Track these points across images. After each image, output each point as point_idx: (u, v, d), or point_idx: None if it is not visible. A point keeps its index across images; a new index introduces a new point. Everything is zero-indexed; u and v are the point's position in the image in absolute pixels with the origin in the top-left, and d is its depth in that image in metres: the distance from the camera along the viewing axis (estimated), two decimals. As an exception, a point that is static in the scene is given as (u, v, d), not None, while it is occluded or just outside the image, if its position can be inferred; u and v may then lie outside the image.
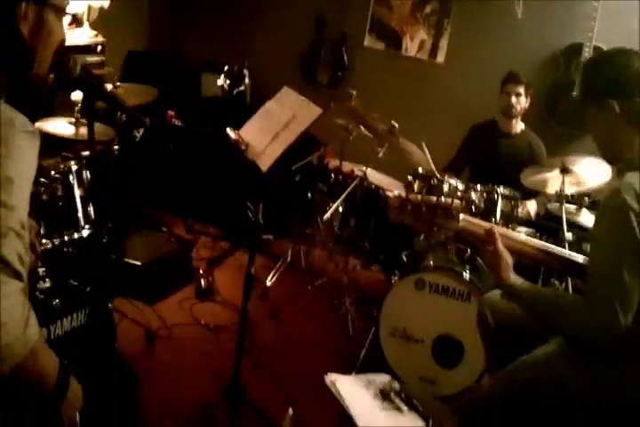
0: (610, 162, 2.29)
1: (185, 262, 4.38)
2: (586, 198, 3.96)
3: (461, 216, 2.26)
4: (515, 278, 2.20)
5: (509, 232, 2.35)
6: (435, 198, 2.24)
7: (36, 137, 1.41)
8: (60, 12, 1.55)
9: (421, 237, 3.90)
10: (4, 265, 1.26)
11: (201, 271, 4.29)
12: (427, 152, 3.98)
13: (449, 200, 2.24)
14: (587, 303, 1.97)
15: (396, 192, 2.75)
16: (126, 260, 3.90)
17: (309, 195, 4.67)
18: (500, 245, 2.21)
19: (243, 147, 2.85)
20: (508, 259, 2.21)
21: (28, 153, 1.38)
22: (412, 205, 2.24)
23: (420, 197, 2.25)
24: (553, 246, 2.31)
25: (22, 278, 1.31)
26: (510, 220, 3.62)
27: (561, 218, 3.57)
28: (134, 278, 3.92)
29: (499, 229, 2.28)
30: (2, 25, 1.44)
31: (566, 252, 2.32)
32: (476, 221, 2.35)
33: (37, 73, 1.55)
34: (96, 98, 1.87)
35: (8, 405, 1.42)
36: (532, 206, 4.11)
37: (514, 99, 4.30)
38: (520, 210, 3.80)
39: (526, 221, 3.97)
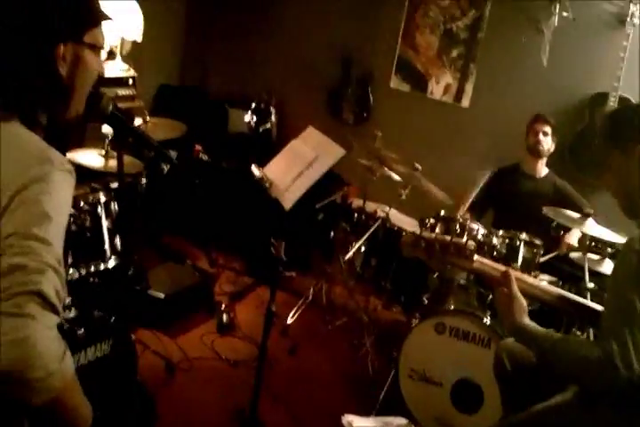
0: (630, 216, 2.23)
1: (207, 296, 4.42)
2: (609, 249, 3.96)
3: (475, 257, 2.27)
4: (528, 322, 2.20)
5: (525, 276, 2.35)
6: (449, 237, 2.27)
7: (72, 175, 1.45)
8: (97, 48, 1.59)
9: (435, 274, 3.93)
10: (43, 300, 1.27)
11: (223, 306, 4.34)
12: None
13: (462, 240, 2.26)
14: (599, 350, 1.92)
15: (409, 226, 2.78)
16: (150, 292, 3.95)
17: (332, 233, 4.70)
18: (515, 288, 2.22)
19: (267, 184, 2.91)
20: (523, 302, 2.21)
21: (65, 190, 1.42)
22: (425, 242, 2.27)
23: (433, 234, 2.28)
24: (569, 293, 2.32)
25: (59, 313, 1.32)
26: (531, 266, 3.63)
27: (583, 267, 3.58)
28: (157, 310, 3.98)
29: (514, 273, 2.28)
30: (41, 68, 1.48)
31: (583, 300, 2.32)
32: (490, 262, 2.36)
33: (75, 110, 1.61)
34: (126, 135, 1.94)
35: None
36: (574, 236, 4.11)
37: (541, 136, 4.37)
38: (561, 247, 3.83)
39: (550, 267, 3.98)
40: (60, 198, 1.40)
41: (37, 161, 1.38)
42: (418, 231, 2.30)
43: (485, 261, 2.33)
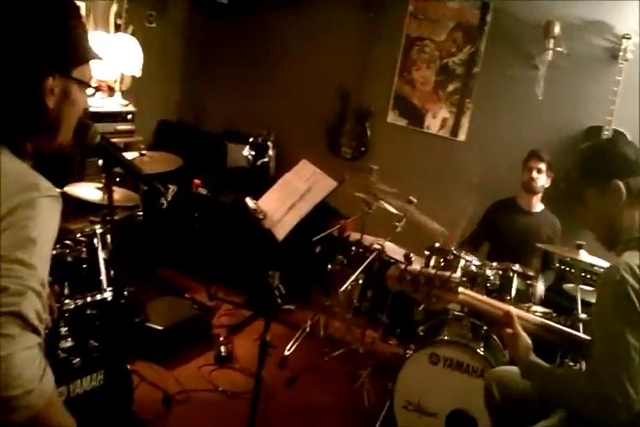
0: (608, 248, 2.27)
1: (205, 329, 4.44)
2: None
3: (460, 289, 2.29)
4: (533, 360, 2.22)
5: (525, 314, 2.36)
6: (433, 271, 2.30)
7: (58, 201, 1.49)
8: (84, 84, 1.63)
9: (420, 307, 3.95)
10: (22, 321, 1.32)
11: (221, 338, 4.35)
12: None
13: (447, 273, 2.29)
14: (592, 385, 1.95)
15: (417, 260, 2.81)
16: (148, 324, 3.97)
17: (329, 266, 4.73)
18: (519, 327, 2.25)
19: (260, 216, 2.96)
20: (528, 340, 2.24)
21: (51, 216, 1.46)
22: (410, 275, 2.30)
23: (418, 268, 2.31)
24: (560, 326, 2.34)
25: (39, 334, 1.36)
26: (525, 298, 3.66)
27: (576, 298, 3.61)
28: (155, 342, 3.99)
29: (515, 311, 2.31)
30: (29, 100, 1.52)
31: (577, 333, 2.35)
32: (475, 294, 2.38)
33: (62, 141, 1.65)
34: (114, 164, 1.98)
35: None
36: (539, 288, 4.10)
37: (535, 173, 4.41)
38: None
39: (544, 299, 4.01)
40: (46, 224, 1.44)
41: (24, 187, 1.42)
42: (401, 265, 2.33)
43: (469, 292, 2.35)
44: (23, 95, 1.52)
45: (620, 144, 2.24)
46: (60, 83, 1.56)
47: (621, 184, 2.14)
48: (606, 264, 3.54)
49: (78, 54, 1.61)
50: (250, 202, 3.06)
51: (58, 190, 1.51)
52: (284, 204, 2.94)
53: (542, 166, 4.42)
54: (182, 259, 5.27)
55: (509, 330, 2.26)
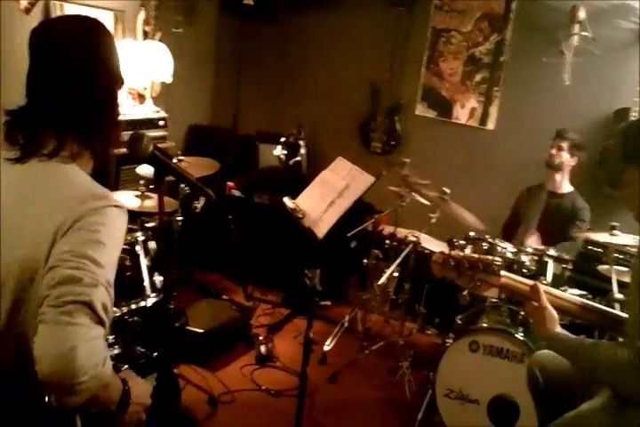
0: None
1: (245, 329, 4.46)
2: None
3: (502, 273, 2.33)
4: (560, 331, 2.26)
5: (552, 289, 2.40)
6: (476, 255, 2.32)
7: (125, 212, 1.59)
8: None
9: (465, 292, 3.95)
10: (91, 311, 1.41)
11: (261, 338, 4.37)
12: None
13: (489, 257, 2.32)
14: (629, 352, 2.00)
15: (440, 249, 2.83)
16: (189, 328, 4.00)
17: (365, 261, 4.75)
18: (544, 299, 2.28)
19: (300, 215, 2.97)
20: (553, 312, 2.28)
21: (119, 225, 1.57)
22: (454, 261, 2.32)
23: (461, 253, 2.33)
24: (595, 304, 2.37)
25: (105, 325, 1.45)
26: (561, 282, 3.65)
27: (611, 278, 3.63)
28: (197, 345, 4.02)
29: (543, 287, 2.34)
30: (113, 110, 1.75)
31: (610, 309, 2.38)
32: (518, 277, 2.43)
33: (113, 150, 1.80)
34: (166, 173, 2.01)
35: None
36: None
37: (554, 151, 4.42)
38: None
39: (579, 281, 4.00)
40: (114, 231, 1.54)
41: (94, 196, 1.54)
42: (445, 250, 2.36)
43: (512, 275, 2.39)
44: (110, 107, 1.74)
45: None
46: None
47: None
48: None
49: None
50: (288, 201, 3.07)
51: None
52: (322, 202, 2.95)
53: (564, 144, 4.41)
54: (218, 261, 5.30)
55: (535, 303, 2.30)
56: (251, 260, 5.11)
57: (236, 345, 4.34)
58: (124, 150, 1.90)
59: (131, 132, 1.85)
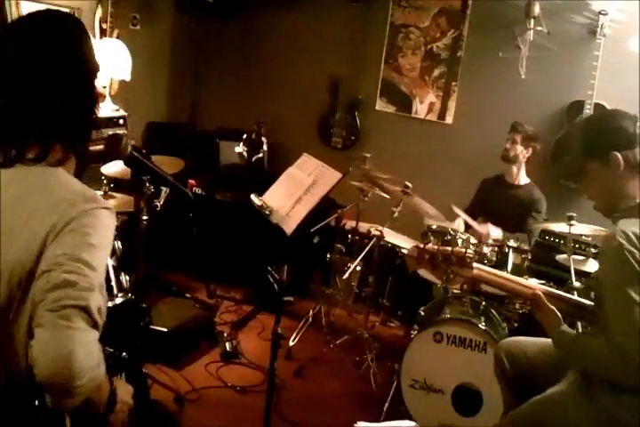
0: (606, 215, 2.40)
1: (209, 327, 4.45)
2: (592, 249, 4.11)
3: (474, 264, 2.38)
4: (564, 329, 2.34)
5: (551, 290, 2.48)
6: (450, 248, 2.38)
7: (114, 212, 1.59)
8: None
9: (439, 284, 4.02)
10: (88, 315, 1.42)
11: (225, 335, 4.37)
12: (462, 214, 4.22)
13: (462, 249, 2.37)
14: (611, 346, 2.08)
15: (414, 243, 2.87)
16: (153, 327, 3.98)
17: (328, 256, 4.78)
18: (548, 304, 2.37)
19: (267, 212, 2.97)
20: (557, 313, 2.36)
21: (109, 226, 1.57)
22: (429, 254, 2.37)
23: (436, 247, 2.38)
24: (562, 293, 2.48)
25: (99, 329, 1.46)
26: (521, 271, 3.73)
27: (569, 268, 3.73)
28: (161, 344, 4.00)
29: (541, 289, 2.44)
30: (92, 102, 1.69)
31: (577, 298, 2.50)
32: (490, 269, 2.51)
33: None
34: (144, 173, 2.01)
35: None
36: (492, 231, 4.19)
37: (508, 144, 4.51)
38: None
39: (538, 271, 4.10)
40: (105, 233, 1.55)
41: (85, 199, 1.54)
42: (420, 244, 2.40)
43: (483, 267, 2.45)
44: (87, 102, 1.69)
45: (618, 117, 2.31)
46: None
47: (620, 156, 2.25)
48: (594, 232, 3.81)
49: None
50: (255, 198, 3.07)
51: None
52: (290, 198, 2.96)
53: (517, 137, 4.49)
54: (180, 259, 5.27)
55: (540, 310, 2.39)
56: (213, 257, 5.09)
57: (200, 343, 4.32)
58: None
59: (109, 133, 1.83)
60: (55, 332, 1.38)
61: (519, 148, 4.49)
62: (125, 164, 1.99)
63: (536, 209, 4.45)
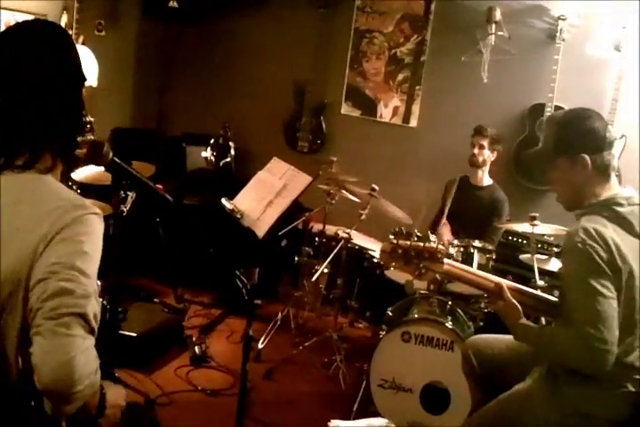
0: (568, 209, 2.47)
1: (178, 331, 4.45)
2: (554, 248, 4.20)
3: (445, 260, 2.45)
4: (524, 322, 2.38)
5: (516, 285, 2.53)
6: (422, 244, 2.43)
7: (102, 217, 1.60)
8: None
9: (412, 279, 4.06)
10: (85, 322, 1.45)
11: (194, 339, 4.36)
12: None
13: (434, 245, 2.43)
14: (578, 339, 2.14)
15: (381, 245, 2.90)
16: (122, 332, 3.97)
17: (296, 259, 4.81)
18: (509, 296, 2.41)
19: (238, 215, 3.00)
20: (518, 306, 2.40)
21: (99, 233, 1.58)
22: (402, 249, 2.42)
23: (408, 242, 2.43)
24: (529, 289, 2.52)
25: (95, 334, 1.49)
26: (486, 271, 3.79)
27: (532, 267, 3.81)
28: (131, 349, 3.99)
29: (505, 283, 2.48)
30: (78, 110, 1.70)
31: (543, 294, 2.54)
32: (459, 264, 2.58)
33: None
34: (125, 179, 2.03)
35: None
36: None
37: (476, 150, 4.57)
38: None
39: (502, 270, 4.17)
40: (96, 239, 1.56)
41: (75, 206, 1.55)
42: (393, 240, 2.45)
43: (453, 263, 2.52)
44: (76, 110, 1.70)
45: (592, 120, 2.36)
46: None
47: (588, 159, 2.31)
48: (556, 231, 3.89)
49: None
50: (226, 202, 3.09)
51: None
52: (260, 202, 3.00)
53: (484, 142, 4.57)
54: (147, 265, 5.26)
55: (502, 302, 2.42)
56: (181, 262, 5.09)
57: (169, 347, 4.32)
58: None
59: (89, 140, 1.84)
60: (55, 340, 1.41)
61: (486, 152, 4.57)
62: (107, 170, 2.00)
63: (498, 210, 4.53)
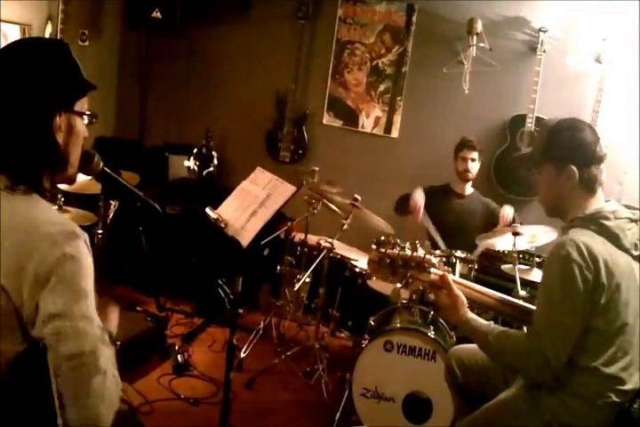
0: (550, 215, 2.50)
1: (160, 340, 4.45)
2: (536, 259, 4.24)
3: (432, 270, 2.47)
4: (471, 316, 2.40)
5: (463, 280, 2.56)
6: (409, 253, 2.45)
7: (87, 236, 1.57)
8: (83, 114, 1.74)
9: (400, 287, 4.07)
10: (103, 374, 1.54)
11: (176, 347, 4.35)
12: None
13: (421, 255, 2.45)
14: (534, 346, 2.17)
15: (363, 255, 2.93)
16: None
17: (278, 268, 4.83)
18: (454, 287, 2.42)
19: (222, 224, 3.01)
20: (464, 299, 2.42)
21: (88, 259, 1.56)
22: (389, 258, 2.44)
23: (396, 251, 2.45)
24: (510, 298, 2.53)
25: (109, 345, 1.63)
26: (468, 280, 3.83)
27: (514, 277, 3.86)
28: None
29: (463, 281, 2.52)
30: (44, 139, 1.60)
31: (523, 303, 2.54)
32: (455, 278, 2.56)
33: (72, 172, 1.73)
34: (115, 189, 2.04)
35: None
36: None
37: (469, 163, 4.57)
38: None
39: (484, 280, 4.18)
40: (88, 269, 1.55)
41: (67, 237, 1.52)
42: (380, 249, 2.47)
43: (438, 272, 2.51)
44: (38, 136, 1.60)
45: (584, 133, 2.36)
46: (65, 118, 1.64)
47: (576, 171, 2.32)
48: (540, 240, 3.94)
49: (77, 89, 1.71)
50: (210, 212, 3.10)
51: None
52: (244, 212, 3.00)
53: (475, 155, 4.58)
54: (129, 273, 5.24)
55: (444, 291, 2.43)
56: (163, 271, 5.08)
57: (152, 356, 4.32)
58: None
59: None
60: (76, 384, 1.50)
61: (476, 166, 4.60)
62: (97, 180, 2.01)
63: (496, 215, 4.54)
